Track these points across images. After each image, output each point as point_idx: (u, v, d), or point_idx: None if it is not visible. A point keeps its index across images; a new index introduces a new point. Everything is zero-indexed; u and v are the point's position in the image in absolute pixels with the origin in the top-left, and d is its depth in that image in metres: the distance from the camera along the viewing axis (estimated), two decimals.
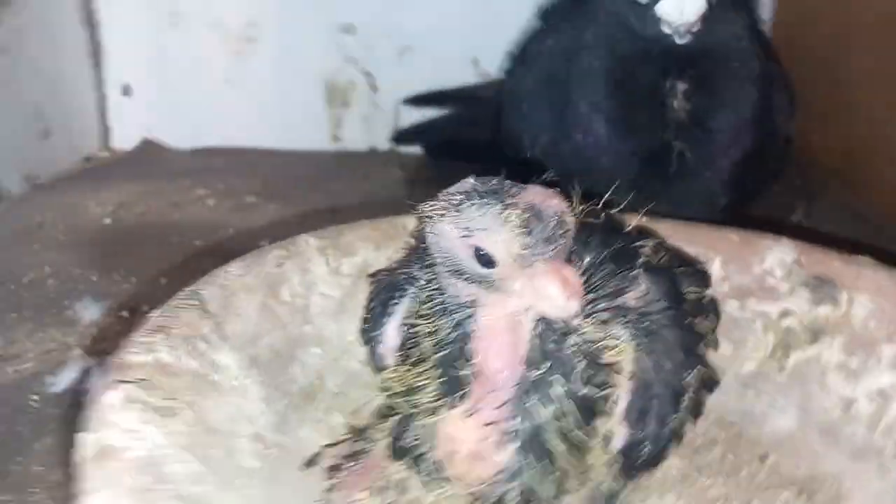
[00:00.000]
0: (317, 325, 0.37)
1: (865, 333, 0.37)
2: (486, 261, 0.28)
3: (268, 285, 0.36)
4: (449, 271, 0.29)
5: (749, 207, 0.56)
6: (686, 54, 0.45)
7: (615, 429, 0.30)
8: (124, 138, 0.91)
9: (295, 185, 0.82)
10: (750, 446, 0.37)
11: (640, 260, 0.32)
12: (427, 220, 0.29)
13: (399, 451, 0.30)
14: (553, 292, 0.27)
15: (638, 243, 0.33)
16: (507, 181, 0.29)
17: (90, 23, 0.87)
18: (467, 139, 0.80)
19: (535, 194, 0.28)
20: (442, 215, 0.28)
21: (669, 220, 0.43)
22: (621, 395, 0.30)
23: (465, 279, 0.29)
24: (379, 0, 0.88)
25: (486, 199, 0.27)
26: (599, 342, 0.29)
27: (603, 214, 0.33)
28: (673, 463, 0.36)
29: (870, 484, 0.33)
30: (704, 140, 0.48)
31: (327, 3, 0.88)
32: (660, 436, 0.31)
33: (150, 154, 0.90)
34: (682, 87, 0.46)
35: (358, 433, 0.34)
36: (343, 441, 0.34)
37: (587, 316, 0.30)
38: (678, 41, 0.44)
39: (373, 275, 0.35)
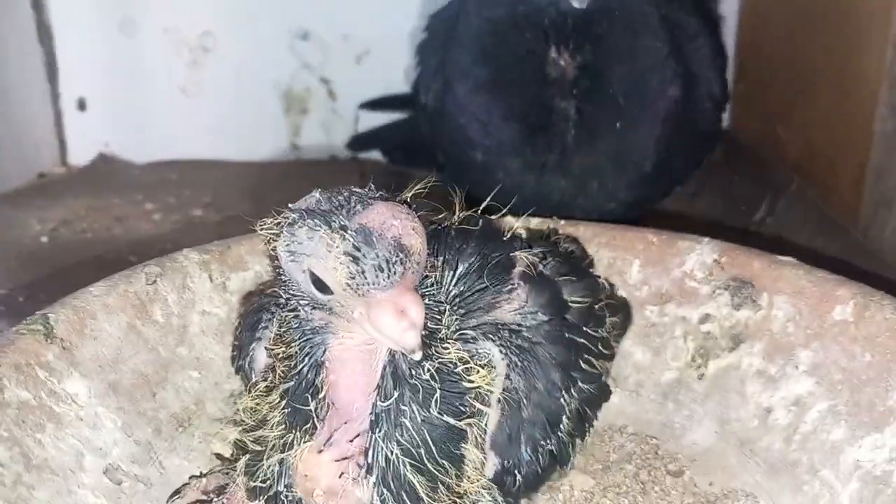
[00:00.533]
0: (196, 346, 0.35)
1: (784, 338, 0.34)
2: (320, 286, 0.25)
3: (136, 305, 0.33)
4: (295, 294, 0.26)
5: (690, 177, 0.53)
6: (582, 16, 0.42)
7: (487, 455, 0.27)
8: (81, 154, 0.89)
9: (246, 196, 0.80)
10: (666, 462, 0.34)
11: (518, 269, 0.29)
12: (265, 239, 0.26)
13: (253, 491, 0.27)
14: (386, 326, 0.24)
15: (517, 252, 0.30)
16: (358, 195, 0.26)
17: (45, 37, 0.86)
18: (423, 141, 0.78)
19: (377, 213, 0.25)
20: (276, 236, 0.25)
21: (588, 222, 0.41)
22: (490, 419, 0.27)
23: (310, 304, 0.26)
24: (335, 5, 0.86)
25: (316, 221, 0.24)
26: (463, 364, 0.26)
27: (481, 220, 0.30)
28: (579, 482, 0.33)
29: (783, 501, 0.30)
30: (606, 100, 0.45)
31: (283, 10, 0.86)
32: (534, 461, 0.28)
33: (105, 169, 0.88)
34: (572, 48, 0.43)
35: (227, 464, 0.31)
36: (212, 472, 0.31)
37: (453, 333, 0.27)
38: (576, 5, 0.41)
39: (247, 296, 0.33)
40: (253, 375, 0.31)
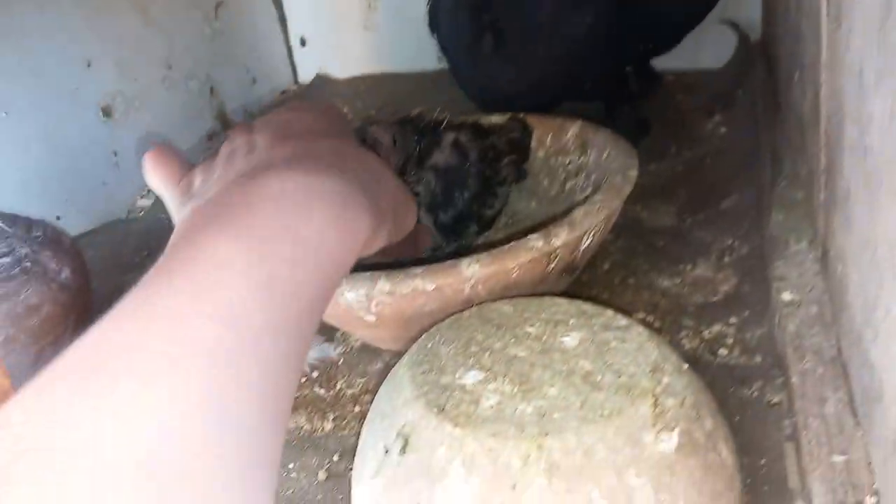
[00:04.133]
0: None
1: (591, 168, 0.71)
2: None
3: None
4: None
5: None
6: None
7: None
8: (306, 75, 1.39)
9: (406, 99, 1.23)
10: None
11: (447, 140, 0.69)
12: None
13: None
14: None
15: (446, 133, 0.69)
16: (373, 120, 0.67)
17: (277, 2, 1.34)
18: None
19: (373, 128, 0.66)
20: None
21: (536, 115, 0.78)
22: (427, 201, 0.68)
23: None
24: None
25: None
26: (418, 177, 0.68)
27: (432, 123, 0.70)
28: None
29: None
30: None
31: None
32: (452, 216, 0.68)
33: (321, 84, 1.36)
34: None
35: None
36: None
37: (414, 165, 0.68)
38: None
39: None
40: None
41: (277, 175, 0.32)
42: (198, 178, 0.38)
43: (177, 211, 0.39)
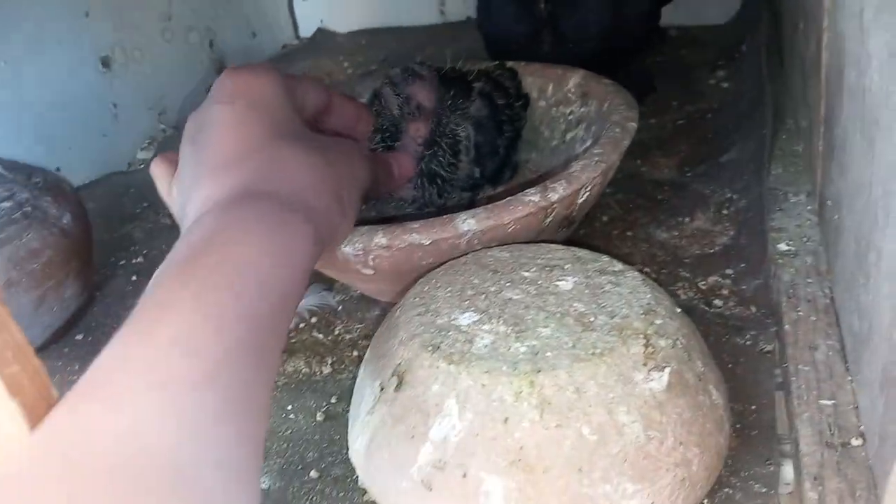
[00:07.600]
0: None
1: (592, 119, 0.71)
2: None
3: None
4: None
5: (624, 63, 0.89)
6: None
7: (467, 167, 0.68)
8: (307, 29, 1.38)
9: (406, 53, 1.22)
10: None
11: (476, 90, 0.68)
12: None
13: None
14: None
15: (474, 83, 0.69)
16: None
17: None
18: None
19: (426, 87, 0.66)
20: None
21: (538, 64, 0.78)
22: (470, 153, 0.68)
23: None
24: None
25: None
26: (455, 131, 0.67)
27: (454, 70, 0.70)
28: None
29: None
30: (560, 30, 0.83)
31: None
32: (493, 168, 0.68)
33: (322, 38, 1.35)
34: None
35: None
36: None
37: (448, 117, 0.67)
38: None
39: None
40: None
41: (213, 220, 0.36)
42: (175, 191, 0.44)
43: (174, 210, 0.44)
